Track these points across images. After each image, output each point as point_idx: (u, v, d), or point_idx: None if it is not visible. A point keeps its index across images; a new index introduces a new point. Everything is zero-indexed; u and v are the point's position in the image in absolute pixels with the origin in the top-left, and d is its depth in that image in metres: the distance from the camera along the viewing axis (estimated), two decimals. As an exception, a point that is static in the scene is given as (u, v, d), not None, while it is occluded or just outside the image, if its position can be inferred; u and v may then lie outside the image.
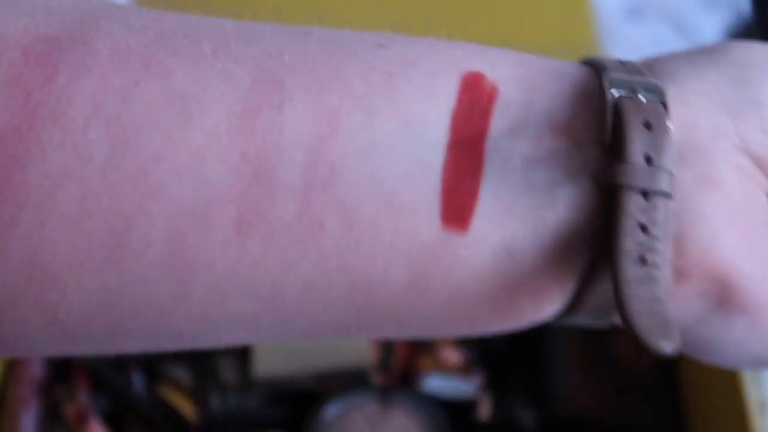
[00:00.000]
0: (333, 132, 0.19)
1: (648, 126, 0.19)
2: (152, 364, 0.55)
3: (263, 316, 0.20)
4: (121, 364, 0.54)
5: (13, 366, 0.53)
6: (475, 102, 0.19)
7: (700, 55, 0.21)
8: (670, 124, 0.19)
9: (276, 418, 0.54)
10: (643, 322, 0.18)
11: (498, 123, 0.19)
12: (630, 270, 0.18)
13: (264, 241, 0.19)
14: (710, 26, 0.78)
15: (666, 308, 0.18)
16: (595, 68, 0.21)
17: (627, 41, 0.77)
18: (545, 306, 0.20)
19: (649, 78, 0.20)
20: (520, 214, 0.19)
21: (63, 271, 0.19)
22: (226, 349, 0.55)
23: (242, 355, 0.54)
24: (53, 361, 0.54)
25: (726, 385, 0.47)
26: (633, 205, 0.18)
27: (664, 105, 0.19)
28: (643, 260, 0.18)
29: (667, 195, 0.19)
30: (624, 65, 0.21)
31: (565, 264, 0.19)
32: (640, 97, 0.19)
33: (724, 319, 0.20)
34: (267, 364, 0.53)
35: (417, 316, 0.20)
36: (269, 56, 0.20)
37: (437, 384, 0.54)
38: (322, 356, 0.53)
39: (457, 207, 0.19)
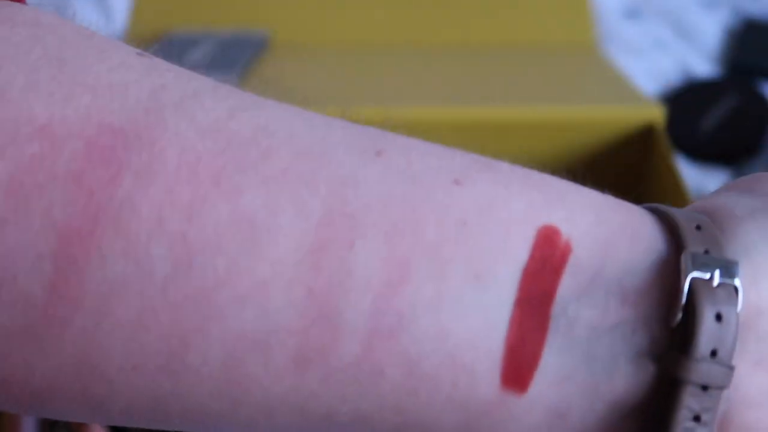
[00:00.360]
0: (402, 280, 0.18)
1: (719, 318, 0.18)
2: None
3: (310, 431, 0.20)
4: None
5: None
6: (547, 260, 0.19)
7: None
8: (739, 311, 0.19)
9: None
10: None
11: (567, 284, 0.19)
12: None
13: (322, 377, 0.19)
14: (710, 26, 0.78)
15: None
16: (672, 233, 0.20)
17: (627, 41, 0.77)
18: None
19: (727, 259, 0.19)
20: (579, 381, 0.19)
21: (114, 372, 0.19)
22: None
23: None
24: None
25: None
26: (690, 398, 0.18)
27: (736, 289, 0.19)
28: None
29: (723, 387, 0.18)
30: (701, 231, 0.20)
31: None
32: (716, 278, 0.19)
33: None
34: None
35: None
36: (342, 185, 0.19)
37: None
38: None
39: (518, 369, 0.19)
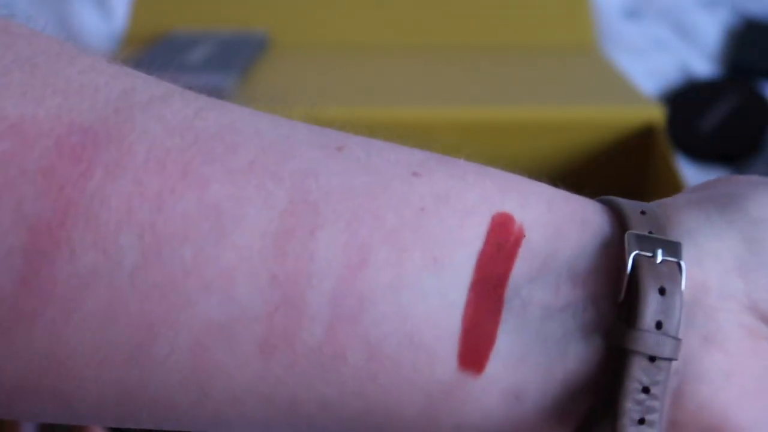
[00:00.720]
0: (362, 265, 0.19)
1: (662, 291, 0.19)
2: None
3: (279, 422, 0.20)
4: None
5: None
6: (501, 245, 0.20)
7: (717, 209, 0.21)
8: (684, 288, 0.20)
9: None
10: None
11: (520, 268, 0.20)
12: (627, 430, 0.19)
13: (287, 362, 0.19)
14: (710, 26, 0.78)
15: None
16: (618, 218, 0.21)
17: (627, 41, 0.77)
18: None
19: (669, 238, 0.20)
20: (533, 361, 0.20)
21: (81, 367, 0.19)
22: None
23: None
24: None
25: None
26: (638, 370, 0.19)
27: (680, 266, 0.20)
28: (641, 420, 0.19)
29: (671, 359, 0.19)
30: (645, 215, 0.21)
31: (568, 411, 0.20)
32: (659, 256, 0.20)
33: None
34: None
35: None
36: (306, 176, 0.20)
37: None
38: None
39: (474, 350, 0.19)
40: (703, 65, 0.75)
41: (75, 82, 0.20)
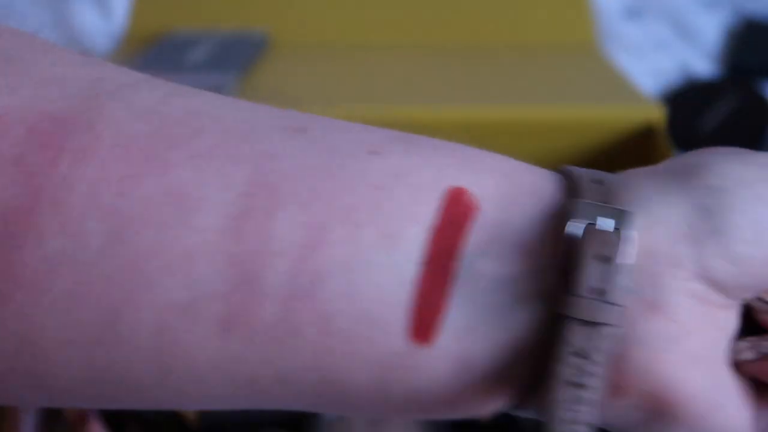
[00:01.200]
0: (318, 243, 0.19)
1: (604, 259, 0.20)
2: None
3: (239, 398, 0.21)
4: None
5: (13, 366, 0.53)
6: (453, 219, 0.20)
7: (675, 178, 0.22)
8: (629, 255, 0.20)
9: (276, 418, 0.53)
10: None
11: (472, 240, 0.20)
12: (559, 393, 0.20)
13: (245, 339, 0.20)
14: (710, 26, 0.78)
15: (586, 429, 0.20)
16: (571, 188, 0.21)
17: (627, 41, 0.77)
18: (490, 406, 0.22)
19: (615, 206, 0.20)
20: (481, 331, 0.20)
21: (52, 348, 0.19)
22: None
23: (242, 354, 0.54)
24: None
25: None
26: (573, 335, 0.20)
27: (628, 234, 0.20)
28: (575, 384, 0.20)
29: (612, 325, 0.20)
30: (601, 185, 0.21)
31: (514, 376, 0.21)
32: (604, 226, 0.20)
33: (665, 427, 0.21)
34: (267, 364, 0.53)
35: (379, 408, 0.22)
36: (265, 158, 0.20)
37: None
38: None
39: (424, 322, 0.20)
40: (703, 65, 0.75)
41: (47, 73, 0.20)
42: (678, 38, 0.78)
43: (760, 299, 0.23)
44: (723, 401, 0.21)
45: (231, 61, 0.63)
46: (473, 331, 0.20)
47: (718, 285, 0.21)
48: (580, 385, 0.19)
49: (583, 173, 0.22)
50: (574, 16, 0.69)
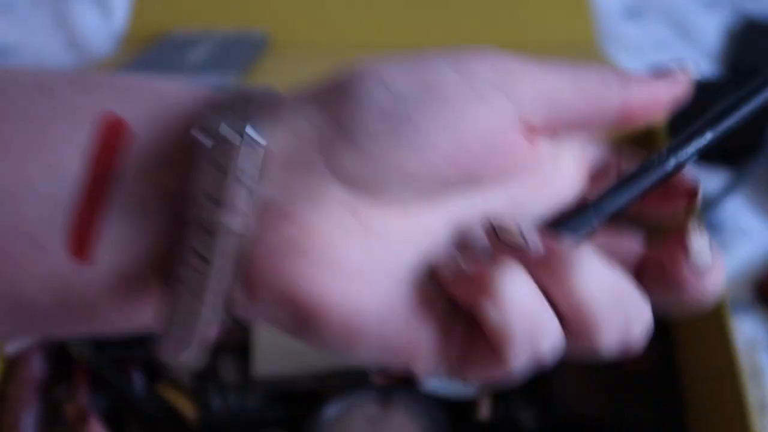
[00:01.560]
0: None
1: (221, 166, 0.21)
2: (152, 364, 0.55)
3: None
4: (122, 363, 0.54)
5: (13, 366, 0.53)
6: (106, 143, 0.22)
7: (317, 92, 0.22)
8: (251, 163, 0.21)
9: (276, 418, 0.53)
10: (170, 345, 0.22)
11: (126, 163, 0.22)
12: (181, 295, 0.21)
13: None
14: (710, 26, 0.79)
15: (195, 336, 0.21)
16: (215, 106, 0.23)
17: (627, 41, 0.77)
18: (146, 314, 0.23)
19: (236, 120, 0.22)
20: (132, 242, 0.22)
21: None
22: (227, 348, 0.55)
23: (242, 354, 0.54)
24: (53, 361, 0.54)
25: (726, 385, 0.47)
26: (193, 239, 0.21)
27: (251, 142, 0.21)
28: (198, 286, 0.21)
29: (228, 230, 0.21)
30: (248, 101, 0.22)
31: (164, 279, 0.22)
32: (229, 136, 0.21)
33: (314, 334, 0.22)
34: (267, 364, 0.53)
35: (67, 323, 0.23)
36: None
37: (437, 384, 0.54)
38: (322, 356, 0.53)
39: (79, 241, 0.22)
40: (703, 65, 0.75)
41: None
42: (678, 38, 0.78)
43: (490, 223, 0.22)
44: (384, 317, 0.21)
45: (231, 61, 0.63)
46: (128, 245, 0.22)
47: (364, 187, 0.21)
48: (200, 290, 0.21)
49: (240, 91, 0.23)
50: (574, 16, 0.69)
